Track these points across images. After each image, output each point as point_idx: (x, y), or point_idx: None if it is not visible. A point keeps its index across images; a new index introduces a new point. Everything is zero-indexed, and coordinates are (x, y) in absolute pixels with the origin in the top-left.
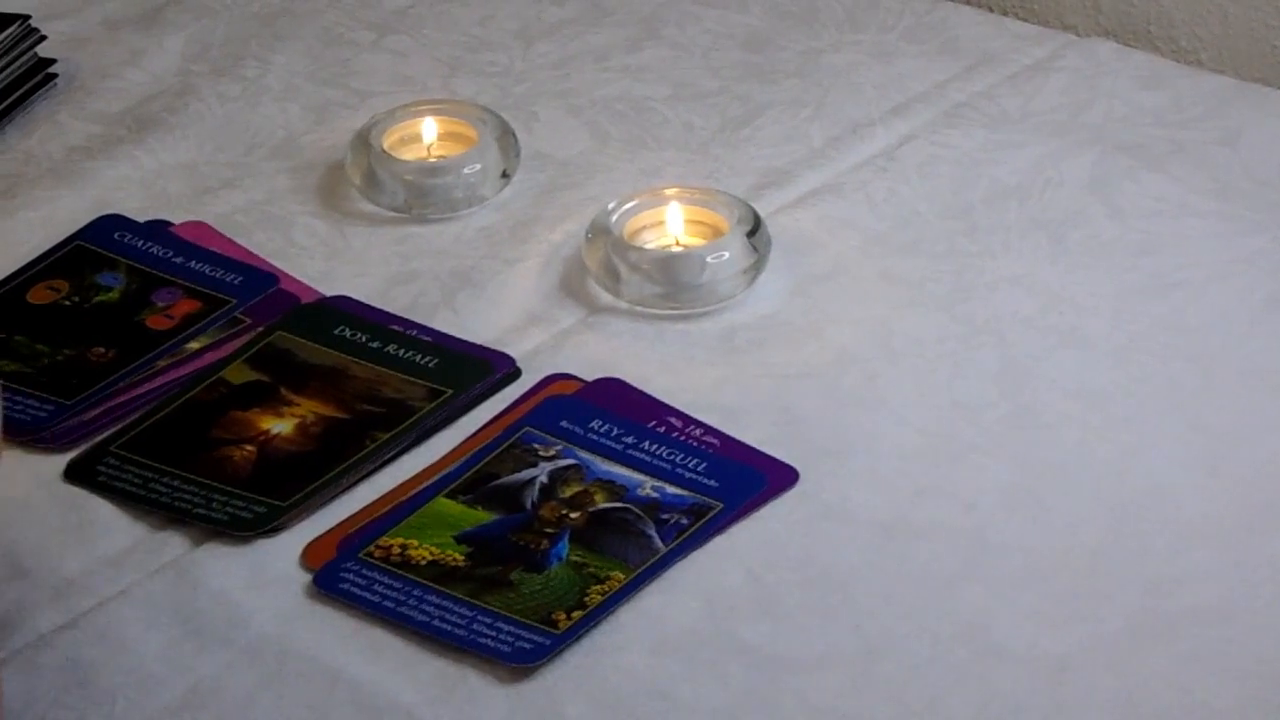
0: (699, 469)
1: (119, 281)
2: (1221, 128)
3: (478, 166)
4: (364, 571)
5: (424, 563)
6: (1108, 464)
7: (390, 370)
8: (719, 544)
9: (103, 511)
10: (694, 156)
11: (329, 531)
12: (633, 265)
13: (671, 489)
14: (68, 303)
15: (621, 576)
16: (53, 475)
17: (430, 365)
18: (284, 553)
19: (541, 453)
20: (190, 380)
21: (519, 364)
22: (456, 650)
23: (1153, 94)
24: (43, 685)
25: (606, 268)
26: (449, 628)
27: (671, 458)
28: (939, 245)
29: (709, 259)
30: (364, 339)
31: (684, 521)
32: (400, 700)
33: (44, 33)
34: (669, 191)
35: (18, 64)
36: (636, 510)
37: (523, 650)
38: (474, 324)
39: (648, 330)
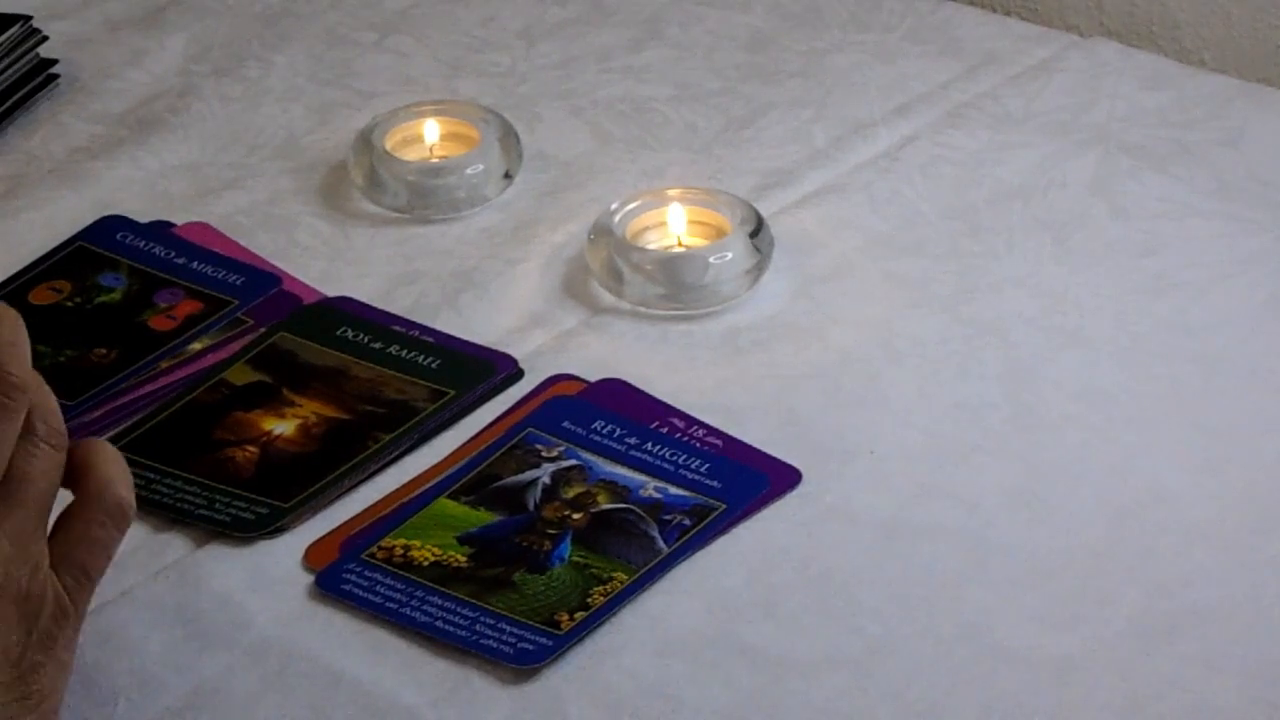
0: (702, 470)
1: (121, 282)
2: (1225, 128)
3: (480, 167)
4: (366, 573)
5: (426, 564)
6: (1111, 465)
7: (392, 371)
8: (722, 545)
9: None
10: (696, 157)
11: (331, 532)
12: (635, 266)
13: (674, 490)
14: (70, 303)
15: (624, 577)
16: None
17: (433, 366)
18: (286, 554)
19: (544, 454)
20: (192, 381)
21: (521, 365)
22: (459, 651)
23: (1156, 94)
24: None
25: (609, 268)
26: (451, 629)
27: (674, 458)
28: (942, 246)
29: (712, 259)
30: (366, 340)
31: (686, 522)
32: (403, 701)
33: (45, 33)
34: (671, 192)
35: (19, 64)
36: (639, 511)
37: (525, 651)
38: (476, 325)
39: (650, 331)
